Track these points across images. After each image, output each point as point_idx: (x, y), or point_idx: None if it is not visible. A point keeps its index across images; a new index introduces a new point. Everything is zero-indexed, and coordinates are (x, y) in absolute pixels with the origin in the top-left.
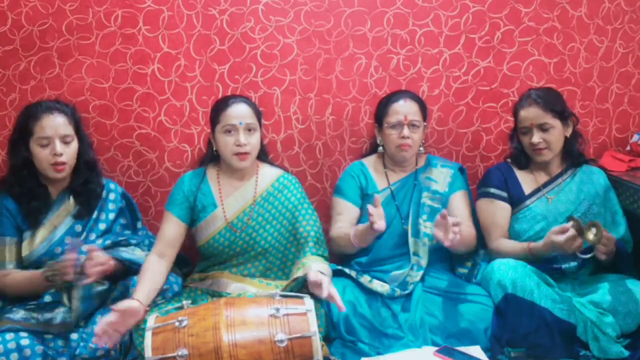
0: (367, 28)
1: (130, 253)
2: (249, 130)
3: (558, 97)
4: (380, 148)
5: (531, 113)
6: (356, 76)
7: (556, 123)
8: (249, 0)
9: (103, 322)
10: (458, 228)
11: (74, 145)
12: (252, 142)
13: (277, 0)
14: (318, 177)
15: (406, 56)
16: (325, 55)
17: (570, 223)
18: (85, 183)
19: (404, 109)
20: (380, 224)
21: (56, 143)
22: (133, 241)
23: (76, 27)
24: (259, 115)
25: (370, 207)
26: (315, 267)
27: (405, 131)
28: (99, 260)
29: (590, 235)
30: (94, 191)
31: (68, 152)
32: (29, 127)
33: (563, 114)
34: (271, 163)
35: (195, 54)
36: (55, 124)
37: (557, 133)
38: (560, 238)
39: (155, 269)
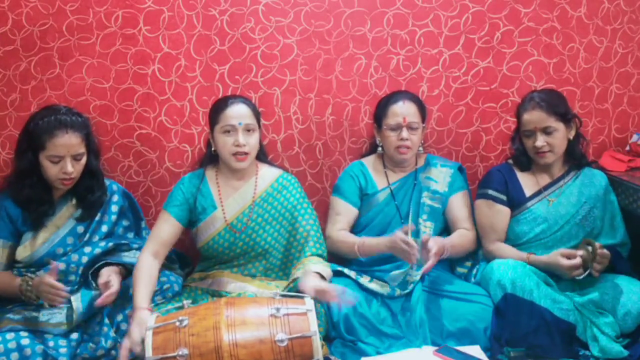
0: (367, 28)
1: (131, 257)
2: (248, 130)
3: (561, 99)
4: (380, 148)
5: (534, 117)
6: (356, 76)
7: (559, 126)
8: (249, 1)
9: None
10: (434, 259)
11: (84, 160)
12: (251, 142)
13: (277, 0)
14: (318, 177)
15: (406, 56)
16: (325, 55)
17: (581, 252)
18: (88, 190)
19: (403, 110)
20: (413, 261)
21: (67, 162)
22: (135, 245)
23: (77, 28)
24: (258, 115)
25: (404, 239)
26: (314, 269)
27: (404, 133)
28: (113, 290)
29: (585, 253)
30: (97, 198)
31: (77, 168)
32: (41, 141)
33: (566, 117)
34: (270, 163)
35: (196, 54)
36: (69, 143)
37: (561, 136)
38: (565, 262)
39: (150, 270)
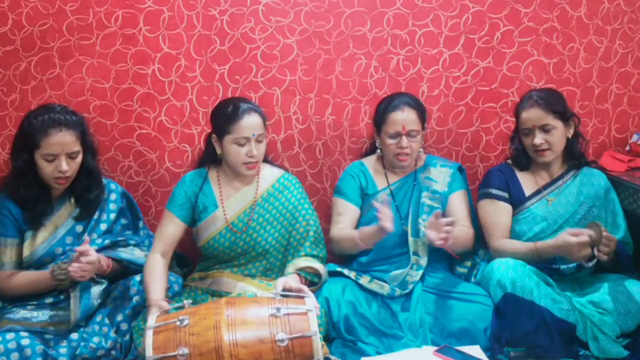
0: (367, 28)
1: (128, 253)
2: (260, 141)
3: (560, 97)
4: (379, 150)
5: (533, 114)
6: (356, 76)
7: (558, 124)
8: (249, 1)
9: None
10: (450, 227)
11: (79, 158)
12: (261, 150)
13: (277, 0)
14: (318, 177)
15: (406, 56)
16: (325, 55)
17: (588, 231)
18: (85, 189)
19: (402, 118)
20: (387, 226)
21: (62, 160)
22: (132, 242)
23: (77, 28)
24: (266, 123)
25: (378, 206)
26: (300, 265)
27: (404, 142)
28: (90, 259)
29: (593, 233)
30: (95, 197)
31: (73, 167)
32: (35, 140)
33: (565, 115)
34: (272, 163)
35: (196, 54)
36: (64, 141)
37: (559, 134)
38: (574, 239)
39: (162, 269)
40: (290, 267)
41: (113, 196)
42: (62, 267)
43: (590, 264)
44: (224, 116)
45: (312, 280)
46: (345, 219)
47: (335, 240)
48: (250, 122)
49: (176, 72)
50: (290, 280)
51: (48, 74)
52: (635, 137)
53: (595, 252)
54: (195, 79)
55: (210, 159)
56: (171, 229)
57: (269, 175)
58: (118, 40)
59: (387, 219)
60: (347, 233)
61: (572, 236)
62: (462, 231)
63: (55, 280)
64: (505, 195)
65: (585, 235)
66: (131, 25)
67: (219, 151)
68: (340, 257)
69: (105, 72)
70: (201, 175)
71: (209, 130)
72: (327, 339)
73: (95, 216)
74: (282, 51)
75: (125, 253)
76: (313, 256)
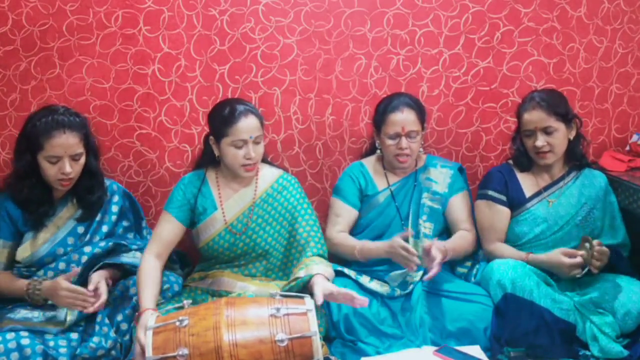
0: (367, 28)
1: (131, 258)
2: (257, 143)
3: (562, 99)
4: (379, 150)
5: (535, 116)
6: (356, 76)
7: (560, 126)
8: (249, 1)
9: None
10: (438, 268)
11: (82, 160)
12: (259, 151)
13: (277, 0)
14: (318, 177)
15: (406, 56)
16: (325, 55)
17: (582, 252)
18: (88, 191)
19: (402, 119)
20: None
21: (65, 162)
22: (134, 246)
23: (77, 28)
24: (263, 124)
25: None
26: (317, 270)
27: (403, 143)
28: (102, 300)
29: (586, 253)
30: (97, 199)
31: (76, 169)
32: (39, 141)
33: (567, 117)
34: (270, 163)
35: (196, 54)
36: (67, 143)
37: (561, 136)
38: (567, 260)
39: (155, 272)
40: (302, 272)
41: (115, 198)
42: (38, 287)
43: (579, 276)
44: (221, 118)
45: None
46: (343, 221)
47: (334, 243)
48: (247, 125)
49: (176, 72)
50: (329, 285)
51: (48, 74)
52: (635, 137)
53: (589, 267)
54: (195, 79)
55: (208, 160)
56: (168, 230)
57: (268, 175)
58: (118, 40)
59: (412, 264)
60: (347, 241)
61: (566, 257)
62: (462, 237)
63: (28, 297)
64: (503, 198)
65: (578, 257)
66: (131, 25)
67: (217, 153)
68: (341, 257)
69: (105, 72)
70: (199, 177)
71: (207, 132)
72: (327, 339)
73: (98, 218)
74: (282, 51)
75: (127, 257)
76: (320, 256)
